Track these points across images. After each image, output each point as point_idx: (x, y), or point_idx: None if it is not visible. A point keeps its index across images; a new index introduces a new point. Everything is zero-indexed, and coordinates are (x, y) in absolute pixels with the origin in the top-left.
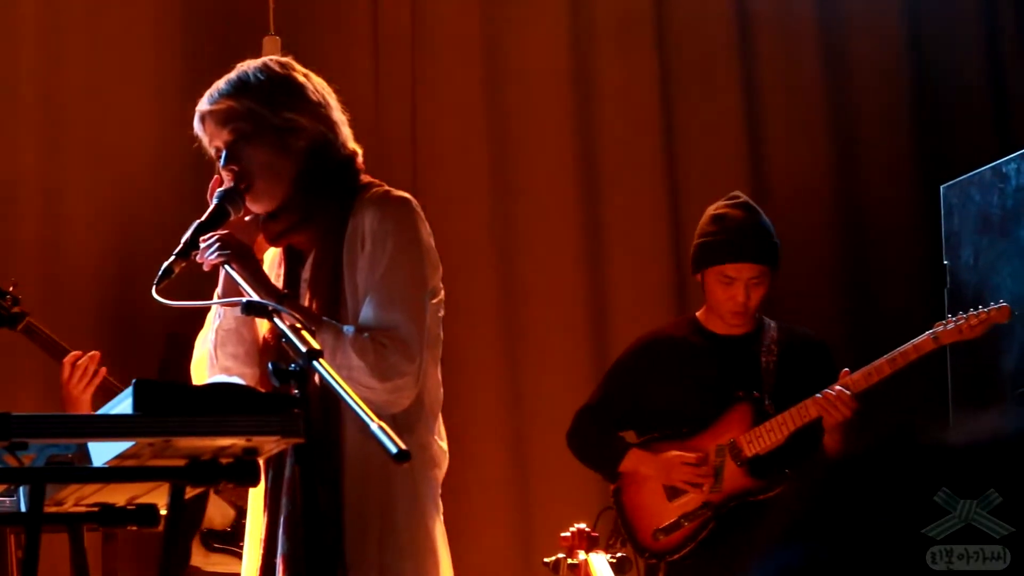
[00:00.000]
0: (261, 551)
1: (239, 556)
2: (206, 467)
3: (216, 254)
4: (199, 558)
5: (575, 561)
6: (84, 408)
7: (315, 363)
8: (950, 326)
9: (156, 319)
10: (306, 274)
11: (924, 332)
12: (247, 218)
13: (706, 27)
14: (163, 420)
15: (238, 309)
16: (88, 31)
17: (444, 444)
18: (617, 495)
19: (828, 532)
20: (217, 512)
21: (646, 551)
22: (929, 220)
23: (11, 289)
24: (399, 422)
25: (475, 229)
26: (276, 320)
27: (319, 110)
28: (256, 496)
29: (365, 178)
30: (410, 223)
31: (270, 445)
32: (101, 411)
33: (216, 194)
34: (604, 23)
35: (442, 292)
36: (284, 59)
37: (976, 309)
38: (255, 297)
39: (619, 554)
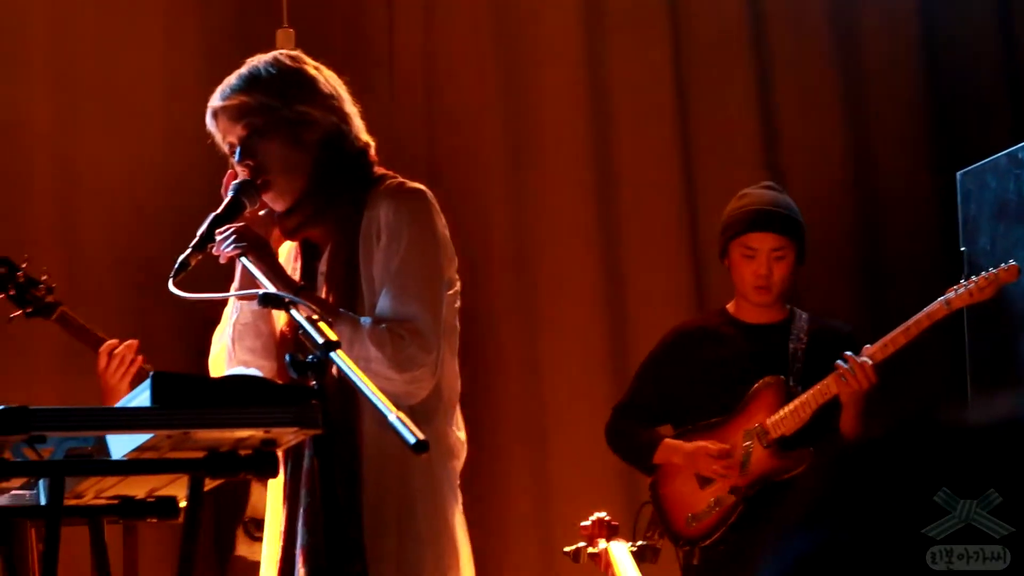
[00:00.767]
0: (281, 543)
1: None
2: (225, 459)
3: (232, 246)
4: (244, 547)
5: (595, 550)
6: (122, 397)
7: (332, 354)
8: (960, 290)
9: (170, 311)
10: (323, 267)
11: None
12: (262, 212)
13: (720, 14)
14: (181, 412)
15: (255, 303)
16: (100, 22)
17: (462, 435)
18: (653, 488)
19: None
20: (261, 500)
21: (680, 538)
22: (946, 207)
23: (44, 278)
24: (417, 413)
25: (491, 220)
26: (293, 312)
27: (331, 102)
28: (275, 488)
29: (379, 170)
30: (425, 215)
31: (288, 437)
32: (120, 403)
33: (231, 187)
34: (618, 10)
35: (458, 283)
36: (295, 52)
37: (986, 271)
38: (272, 289)
39: (640, 542)
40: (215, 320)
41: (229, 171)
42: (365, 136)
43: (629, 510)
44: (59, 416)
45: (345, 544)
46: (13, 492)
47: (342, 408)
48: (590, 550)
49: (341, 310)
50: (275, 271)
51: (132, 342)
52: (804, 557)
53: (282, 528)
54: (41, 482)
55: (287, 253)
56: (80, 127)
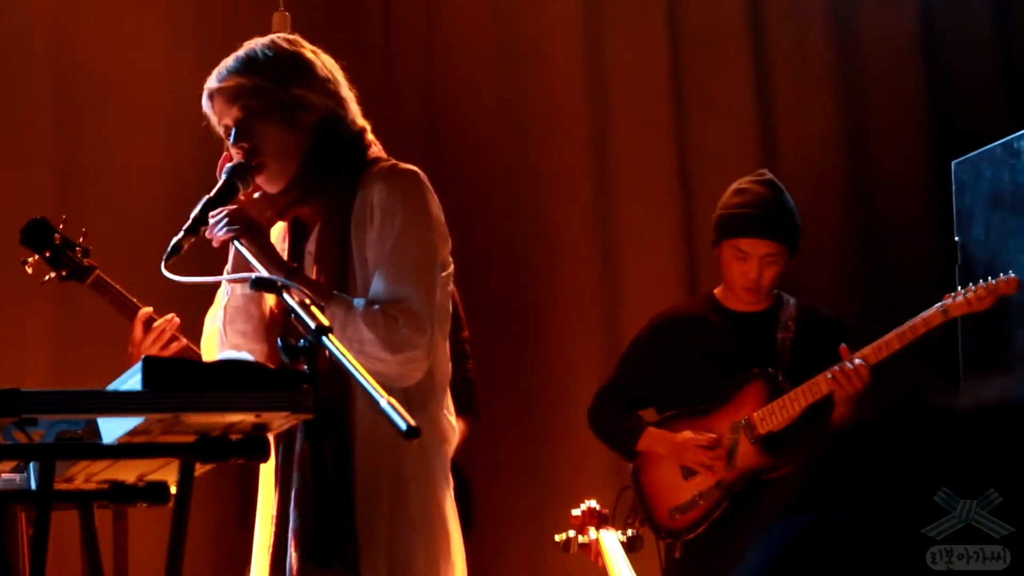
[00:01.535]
0: (272, 527)
1: None
2: (216, 443)
3: (225, 229)
4: None
5: (586, 539)
6: None
7: (324, 339)
8: (959, 298)
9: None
10: (311, 247)
11: (933, 305)
12: (256, 195)
13: (717, 4)
14: (172, 396)
15: (247, 286)
16: (101, 7)
17: (453, 418)
18: (635, 474)
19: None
20: None
21: (663, 530)
22: (940, 196)
23: (80, 240)
24: (412, 398)
25: (488, 203)
26: (285, 296)
27: (327, 86)
28: (267, 472)
29: (373, 153)
30: (419, 196)
31: (280, 421)
32: (110, 387)
33: (225, 170)
34: (616, 1)
35: (451, 266)
36: (292, 36)
37: (985, 280)
38: (264, 273)
39: (630, 532)
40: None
41: (224, 154)
42: (361, 120)
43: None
44: (50, 399)
45: (337, 528)
46: (3, 476)
47: (334, 392)
48: (581, 539)
49: (335, 292)
50: (268, 254)
51: (174, 318)
52: (792, 540)
53: (274, 512)
54: (31, 465)
55: (277, 233)
56: (77, 112)
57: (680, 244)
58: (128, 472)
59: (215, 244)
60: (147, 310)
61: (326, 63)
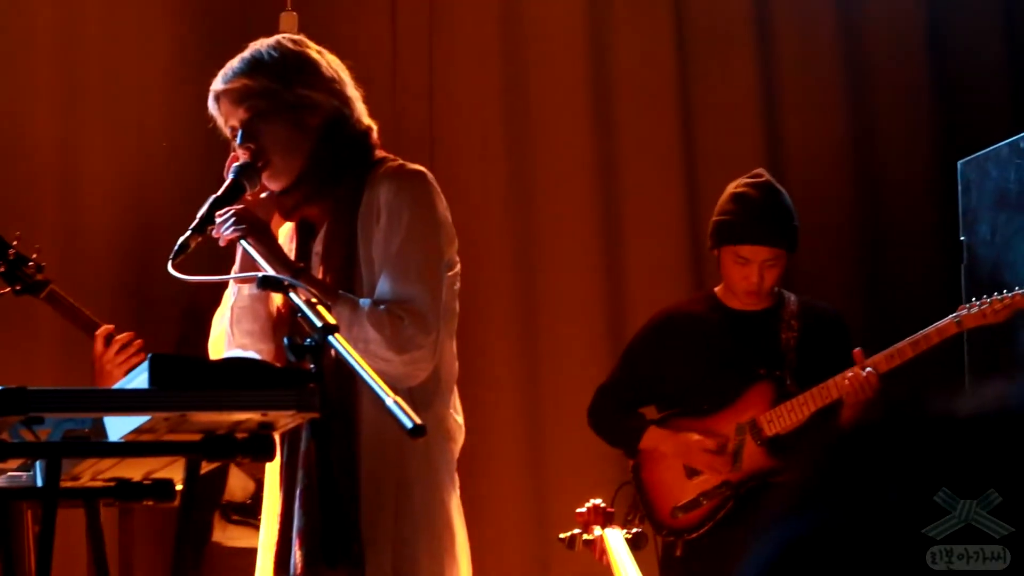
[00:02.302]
0: (278, 526)
1: (257, 529)
2: (222, 442)
3: (232, 229)
4: (219, 532)
5: (590, 537)
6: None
7: (330, 338)
8: (973, 310)
9: (171, 293)
10: (318, 247)
11: (946, 311)
12: (263, 194)
13: (724, 3)
14: (179, 395)
15: (254, 285)
16: (105, 6)
17: (460, 418)
18: (636, 471)
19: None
20: (238, 484)
21: (664, 528)
22: (946, 196)
23: (34, 256)
24: (416, 397)
25: (492, 205)
26: (292, 295)
27: (333, 86)
28: (272, 471)
29: (380, 153)
30: (426, 196)
31: (285, 420)
32: (117, 385)
33: (232, 169)
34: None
35: (458, 265)
36: (297, 36)
37: (1000, 294)
38: (271, 272)
39: (635, 530)
40: (197, 311)
41: (232, 154)
42: (367, 120)
43: (625, 497)
44: (57, 397)
45: (342, 527)
46: (9, 474)
47: (340, 391)
48: (585, 537)
49: (340, 292)
50: (275, 254)
51: (137, 340)
52: (793, 542)
53: (279, 511)
54: (38, 464)
55: (285, 234)
56: (83, 112)
57: (685, 243)
58: (134, 470)
59: (222, 243)
60: (107, 327)
61: (331, 63)
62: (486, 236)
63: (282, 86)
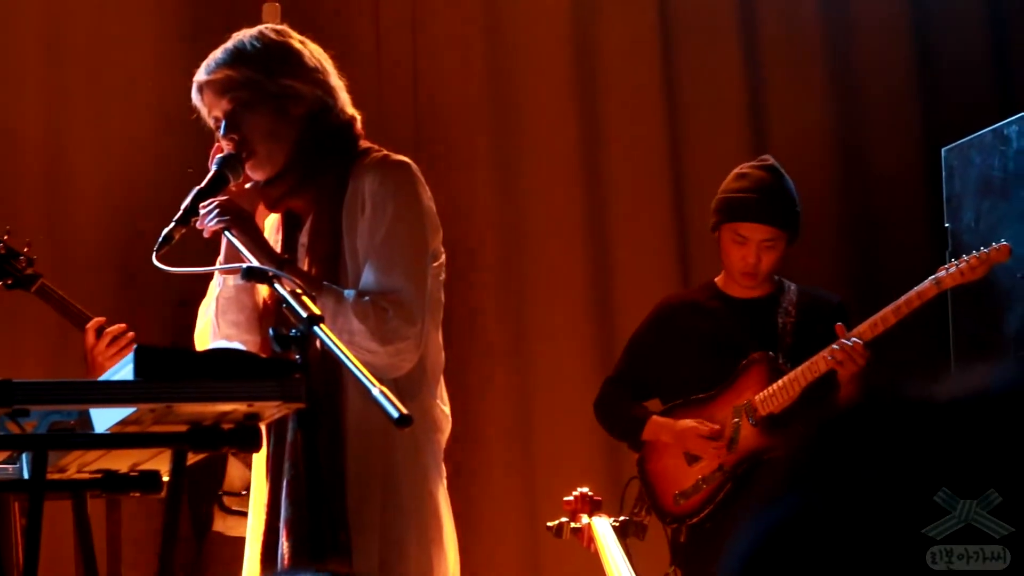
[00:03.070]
0: (265, 516)
1: None
2: (208, 433)
3: (216, 220)
4: (219, 522)
5: (578, 525)
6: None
7: (316, 328)
8: (951, 270)
9: (160, 285)
10: (304, 239)
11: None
12: (247, 185)
13: None
14: (164, 386)
15: (238, 276)
16: None
17: (447, 408)
18: (640, 464)
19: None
20: (236, 474)
21: (668, 515)
22: (930, 183)
23: (25, 250)
24: (402, 387)
25: (477, 194)
26: (277, 286)
27: (316, 76)
28: (259, 462)
29: (364, 143)
30: (410, 187)
31: (271, 410)
32: (103, 377)
33: (215, 160)
34: None
35: (443, 256)
36: (280, 26)
37: (977, 250)
38: (256, 263)
39: (622, 517)
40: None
41: (216, 145)
42: (351, 110)
43: (613, 485)
44: (42, 389)
45: (329, 516)
46: None
47: (326, 381)
48: (573, 525)
49: (325, 283)
50: (259, 245)
51: (128, 332)
52: (777, 526)
53: (266, 502)
54: (24, 456)
55: (271, 225)
56: (69, 103)
57: (672, 236)
58: (121, 461)
59: (206, 235)
60: (99, 319)
61: (314, 53)
62: (472, 228)
63: (265, 76)
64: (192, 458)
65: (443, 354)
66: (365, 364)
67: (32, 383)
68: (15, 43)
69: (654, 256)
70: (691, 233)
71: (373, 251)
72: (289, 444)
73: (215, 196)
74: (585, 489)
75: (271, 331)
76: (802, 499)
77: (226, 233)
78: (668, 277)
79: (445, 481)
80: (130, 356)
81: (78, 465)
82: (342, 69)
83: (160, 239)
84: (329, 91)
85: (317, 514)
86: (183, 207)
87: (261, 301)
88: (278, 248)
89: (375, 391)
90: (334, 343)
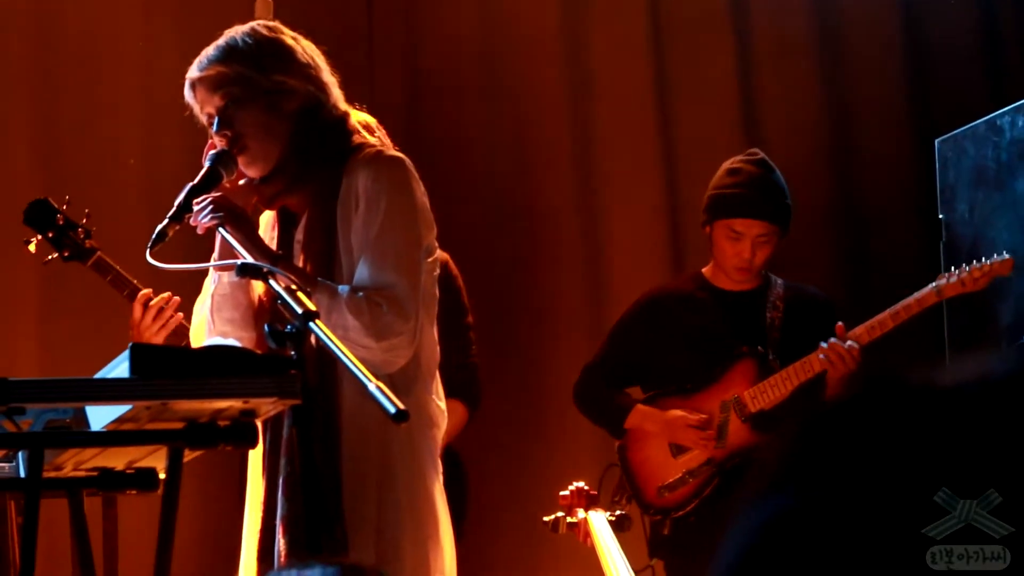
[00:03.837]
0: (261, 514)
1: None
2: (204, 430)
3: (210, 217)
4: None
5: (574, 519)
6: None
7: (311, 324)
8: (952, 279)
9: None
10: (299, 235)
11: (926, 285)
12: (240, 182)
13: None
14: (160, 383)
15: (233, 273)
16: None
17: (442, 403)
18: (622, 452)
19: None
20: None
21: (651, 507)
22: (924, 174)
23: (83, 221)
24: (397, 382)
25: (471, 190)
26: (271, 282)
27: (309, 72)
28: (255, 458)
29: (358, 139)
30: (404, 182)
31: (267, 407)
32: (98, 375)
33: (208, 157)
34: None
35: (437, 251)
36: (272, 23)
37: (980, 262)
38: (250, 259)
39: (619, 512)
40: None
41: (209, 142)
42: (343, 105)
43: (614, 478)
44: (38, 388)
45: (324, 512)
46: None
47: (321, 378)
48: (569, 519)
49: (319, 279)
50: (253, 241)
51: (173, 298)
52: (774, 522)
53: (262, 499)
54: (20, 454)
55: (266, 223)
56: (58, 99)
57: (665, 227)
58: (117, 459)
59: (200, 231)
60: (146, 291)
61: (307, 48)
62: (465, 223)
63: (257, 72)
64: (188, 455)
65: (438, 349)
66: (360, 360)
67: (28, 381)
68: (5, 39)
69: (648, 250)
70: (685, 230)
71: (367, 247)
72: (285, 441)
73: (209, 192)
74: (581, 484)
75: (266, 327)
76: (800, 496)
77: (220, 230)
78: (663, 272)
79: (441, 476)
80: (125, 354)
81: (74, 463)
82: (334, 65)
83: (153, 236)
84: (322, 87)
85: (313, 511)
86: (176, 203)
87: (256, 298)
88: (274, 245)
89: (371, 387)
90: (329, 339)
